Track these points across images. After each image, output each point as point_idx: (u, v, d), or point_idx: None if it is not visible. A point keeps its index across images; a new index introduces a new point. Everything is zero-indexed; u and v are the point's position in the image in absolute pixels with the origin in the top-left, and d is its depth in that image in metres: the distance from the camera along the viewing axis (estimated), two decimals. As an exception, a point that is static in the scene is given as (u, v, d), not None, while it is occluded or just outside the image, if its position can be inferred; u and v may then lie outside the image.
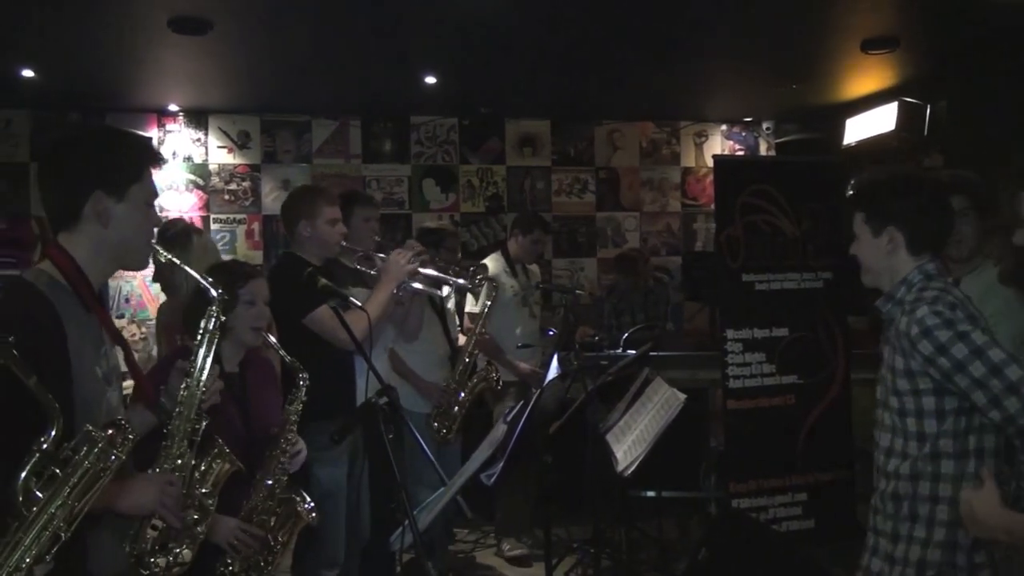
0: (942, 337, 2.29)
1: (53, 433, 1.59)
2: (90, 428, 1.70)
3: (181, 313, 3.23)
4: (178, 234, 4.46)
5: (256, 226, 7.77)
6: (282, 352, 3.31)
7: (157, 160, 2.34)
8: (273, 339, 3.30)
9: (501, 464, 3.73)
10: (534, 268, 6.22)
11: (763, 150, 8.75)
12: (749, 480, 4.97)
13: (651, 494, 5.15)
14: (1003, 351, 2.25)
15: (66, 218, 2.20)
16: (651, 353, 5.09)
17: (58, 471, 1.59)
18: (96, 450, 1.64)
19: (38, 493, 1.57)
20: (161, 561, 2.36)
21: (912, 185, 2.54)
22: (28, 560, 1.53)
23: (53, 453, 1.59)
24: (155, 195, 2.33)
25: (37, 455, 1.57)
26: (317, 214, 3.98)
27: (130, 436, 1.71)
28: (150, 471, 2.34)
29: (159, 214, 2.47)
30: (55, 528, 1.57)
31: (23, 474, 1.56)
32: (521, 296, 5.81)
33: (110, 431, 1.69)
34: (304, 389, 3.20)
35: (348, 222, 4.24)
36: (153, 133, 7.46)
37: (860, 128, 7.45)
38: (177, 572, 2.39)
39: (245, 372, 3.23)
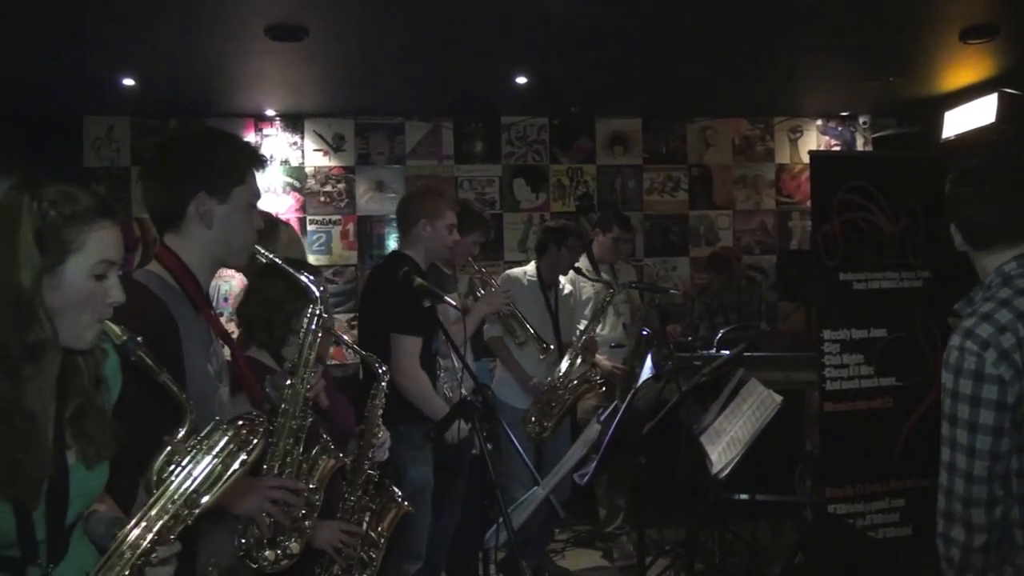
0: (946, 380, 2.18)
1: (185, 427, 1.68)
2: (219, 419, 1.77)
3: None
4: (266, 226, 4.41)
5: (351, 227, 7.89)
6: (355, 347, 3.35)
7: (260, 162, 2.37)
8: (345, 336, 3.35)
9: (594, 464, 3.74)
10: (624, 266, 6.20)
11: (860, 145, 8.55)
12: (846, 485, 4.86)
13: (745, 497, 5.08)
14: (975, 427, 2.11)
15: (171, 219, 2.25)
16: (745, 354, 5.03)
17: (187, 460, 1.67)
18: (223, 441, 1.71)
19: (167, 479, 1.65)
20: (269, 554, 2.42)
21: (963, 173, 2.40)
22: (150, 536, 1.61)
23: (182, 446, 1.67)
24: (258, 197, 2.36)
25: (169, 447, 1.66)
26: (440, 216, 4.05)
27: (260, 430, 1.77)
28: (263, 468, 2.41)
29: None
30: (178, 511, 1.64)
31: (157, 462, 1.65)
32: (606, 294, 5.81)
33: (239, 423, 1.76)
34: (385, 381, 3.21)
35: (462, 238, 4.40)
36: (250, 137, 7.62)
37: (959, 121, 7.22)
38: (285, 565, 2.45)
39: None
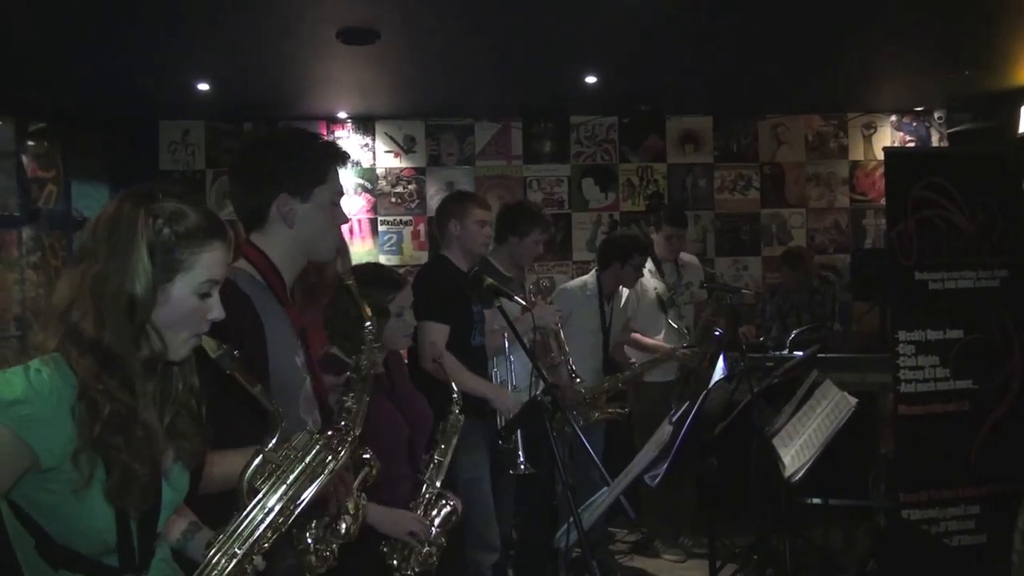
0: None
1: (276, 437, 1.72)
2: (310, 429, 1.83)
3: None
4: None
5: (422, 227, 7.96)
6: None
7: (342, 159, 2.40)
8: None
9: (665, 466, 3.72)
10: (692, 263, 6.15)
11: (935, 141, 8.35)
12: (920, 490, 4.77)
13: (817, 501, 5.02)
14: None
15: (255, 219, 2.32)
16: (819, 355, 4.97)
17: (279, 469, 1.71)
18: (315, 450, 1.76)
19: (259, 488, 1.70)
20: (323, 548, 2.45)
21: None
22: (247, 546, 1.65)
23: (273, 455, 1.72)
24: (340, 194, 2.40)
25: (260, 456, 1.70)
26: (467, 214, 4.18)
27: (348, 439, 1.83)
28: None
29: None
30: (273, 520, 1.68)
31: (248, 471, 1.69)
32: (668, 296, 5.77)
33: (329, 432, 1.81)
34: (459, 407, 3.26)
35: (522, 239, 4.54)
36: (323, 139, 7.73)
37: (1037, 115, 7.05)
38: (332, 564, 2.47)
39: (389, 366, 3.23)
